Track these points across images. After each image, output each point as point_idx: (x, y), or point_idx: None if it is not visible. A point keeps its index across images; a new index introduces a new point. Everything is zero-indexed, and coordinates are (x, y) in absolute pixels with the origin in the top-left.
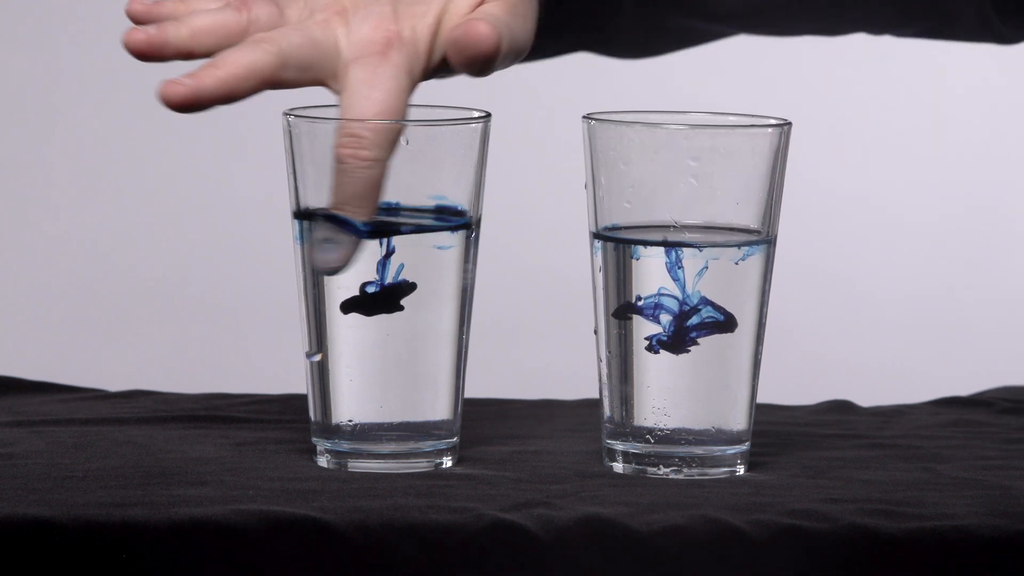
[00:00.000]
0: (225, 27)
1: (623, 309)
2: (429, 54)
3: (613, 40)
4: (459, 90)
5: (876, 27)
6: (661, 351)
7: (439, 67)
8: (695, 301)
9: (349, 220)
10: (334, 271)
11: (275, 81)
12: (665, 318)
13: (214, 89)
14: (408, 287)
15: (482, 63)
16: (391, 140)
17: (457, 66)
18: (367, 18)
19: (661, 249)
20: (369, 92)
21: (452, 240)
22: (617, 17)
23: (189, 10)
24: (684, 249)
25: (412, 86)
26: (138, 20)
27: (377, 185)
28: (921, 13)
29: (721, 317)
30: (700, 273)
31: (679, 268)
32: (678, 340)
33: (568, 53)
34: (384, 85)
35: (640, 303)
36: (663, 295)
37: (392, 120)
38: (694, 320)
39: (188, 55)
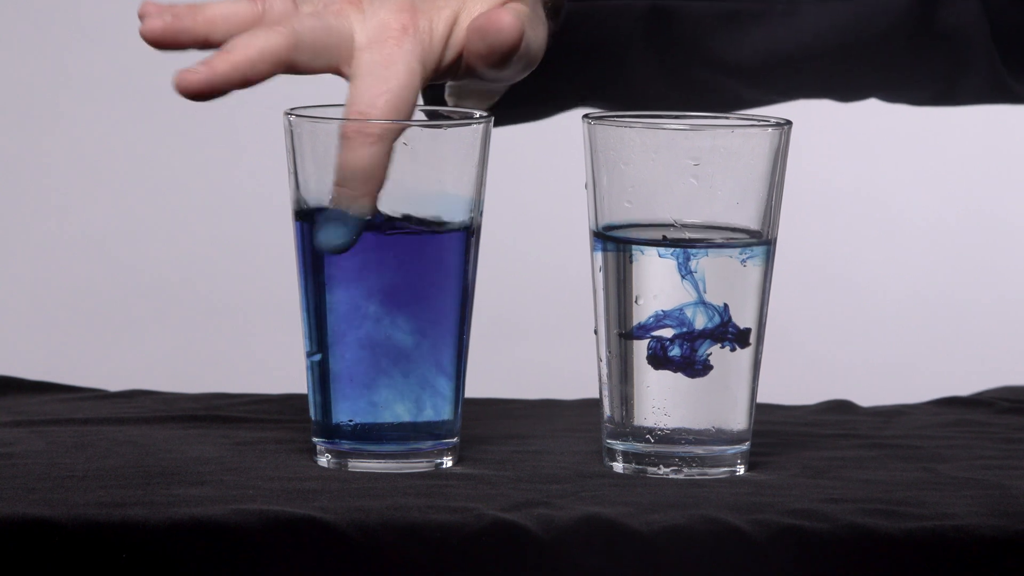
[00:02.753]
0: (240, 16)
1: (636, 332)
2: (443, 50)
3: (629, 91)
4: None
5: (888, 91)
6: (663, 369)
7: (451, 67)
8: (722, 313)
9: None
10: (336, 251)
11: (289, 64)
12: (690, 328)
13: (228, 74)
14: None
15: (502, 53)
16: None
17: (475, 59)
18: (383, 6)
19: (662, 250)
20: (382, 73)
21: (453, 240)
22: (627, 58)
23: None
24: (685, 250)
25: (424, 77)
26: (153, 10)
27: (379, 167)
28: (930, 73)
29: (738, 329)
30: (700, 273)
31: (693, 274)
32: (690, 361)
33: (583, 104)
34: (395, 69)
35: (664, 312)
36: (700, 304)
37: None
38: (707, 343)
39: (204, 44)
